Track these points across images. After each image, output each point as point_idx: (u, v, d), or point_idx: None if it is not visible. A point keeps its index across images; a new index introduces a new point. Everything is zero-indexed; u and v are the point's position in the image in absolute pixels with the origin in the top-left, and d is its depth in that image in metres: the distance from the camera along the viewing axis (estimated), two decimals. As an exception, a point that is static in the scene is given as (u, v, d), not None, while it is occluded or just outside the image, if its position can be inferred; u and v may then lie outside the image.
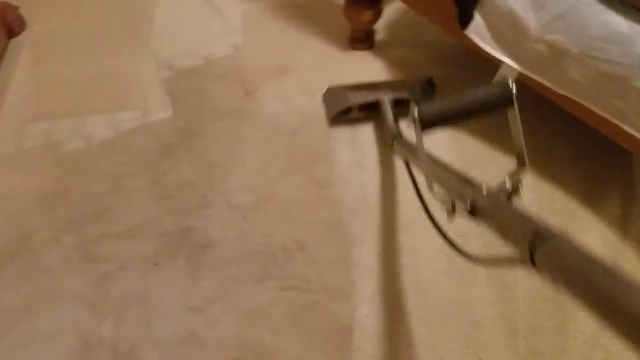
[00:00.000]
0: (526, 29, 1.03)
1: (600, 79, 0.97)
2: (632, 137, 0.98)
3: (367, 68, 1.53)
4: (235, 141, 1.34)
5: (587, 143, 1.32)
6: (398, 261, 1.14)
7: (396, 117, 1.27)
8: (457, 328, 1.05)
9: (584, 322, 1.04)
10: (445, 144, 1.33)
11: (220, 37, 1.63)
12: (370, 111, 1.36)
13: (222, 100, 1.43)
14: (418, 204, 0.99)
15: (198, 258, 1.13)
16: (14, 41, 1.60)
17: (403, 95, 1.35)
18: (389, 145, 1.17)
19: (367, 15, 1.48)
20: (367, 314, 1.06)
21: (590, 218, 1.20)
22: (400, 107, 1.32)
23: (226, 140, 1.34)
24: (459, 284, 1.10)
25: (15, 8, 1.62)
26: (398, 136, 1.17)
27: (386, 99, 1.32)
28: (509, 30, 1.08)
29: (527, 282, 1.10)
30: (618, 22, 0.91)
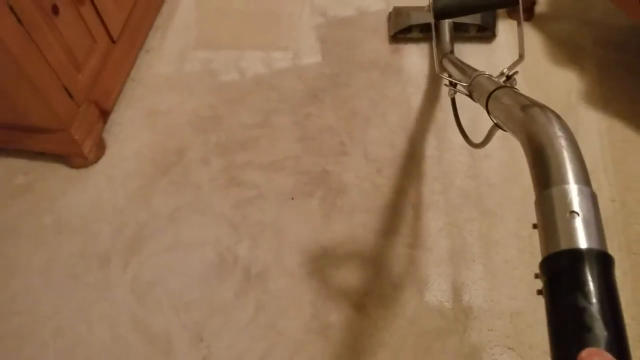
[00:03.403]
0: None
1: None
2: None
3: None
4: (379, 95, 1.35)
5: None
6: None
7: (452, 38, 1.26)
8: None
9: None
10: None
11: (375, -10, 1.62)
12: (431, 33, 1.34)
13: (371, 53, 1.44)
14: None
15: (331, 201, 1.17)
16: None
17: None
18: (439, 63, 1.16)
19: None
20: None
21: None
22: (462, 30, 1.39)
23: (370, 93, 1.35)
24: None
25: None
26: (448, 53, 1.18)
27: (447, 20, 1.31)
28: None
29: None
30: None
